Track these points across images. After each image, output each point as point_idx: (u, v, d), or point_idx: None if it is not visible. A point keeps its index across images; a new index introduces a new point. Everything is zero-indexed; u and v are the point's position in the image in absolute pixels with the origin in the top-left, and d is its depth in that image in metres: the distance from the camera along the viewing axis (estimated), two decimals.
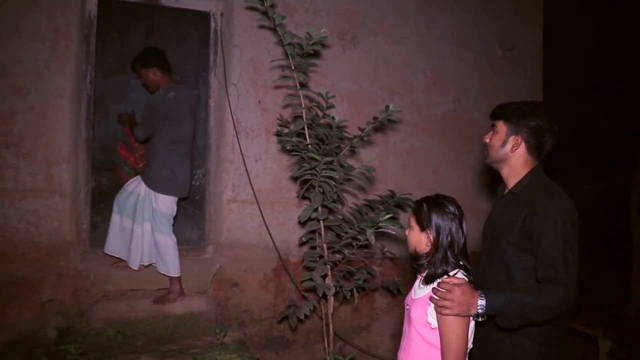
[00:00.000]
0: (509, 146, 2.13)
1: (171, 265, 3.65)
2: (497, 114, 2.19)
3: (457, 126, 4.64)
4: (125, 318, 3.48)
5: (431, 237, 1.95)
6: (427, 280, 1.95)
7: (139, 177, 3.74)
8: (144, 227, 3.65)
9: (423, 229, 1.97)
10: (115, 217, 3.74)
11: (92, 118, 3.89)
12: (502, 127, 2.16)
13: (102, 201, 4.02)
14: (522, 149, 2.13)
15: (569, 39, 7.70)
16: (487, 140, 2.22)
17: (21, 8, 3.44)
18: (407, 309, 2.04)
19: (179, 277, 3.70)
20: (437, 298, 1.85)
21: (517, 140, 2.12)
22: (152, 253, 3.71)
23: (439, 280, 1.90)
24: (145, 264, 3.74)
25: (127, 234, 3.70)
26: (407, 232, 2.08)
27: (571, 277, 1.88)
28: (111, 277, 3.69)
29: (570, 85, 7.82)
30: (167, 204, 3.66)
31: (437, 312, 1.86)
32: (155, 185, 3.63)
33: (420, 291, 1.98)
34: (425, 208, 1.98)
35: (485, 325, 2.00)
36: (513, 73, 4.87)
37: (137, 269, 3.69)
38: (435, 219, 1.95)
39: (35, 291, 3.50)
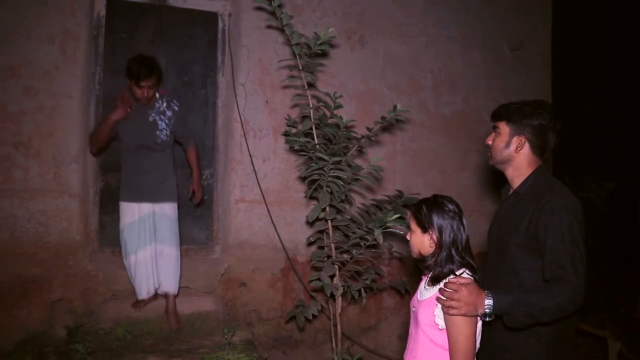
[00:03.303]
0: (512, 147, 2.12)
1: (176, 280, 3.56)
2: (499, 114, 2.17)
3: (465, 126, 4.62)
4: (133, 317, 3.51)
5: (434, 238, 1.95)
6: (434, 281, 1.95)
7: (128, 206, 3.50)
8: (152, 248, 3.51)
9: (425, 230, 1.97)
10: (141, 254, 3.47)
11: (101, 118, 3.91)
12: (504, 128, 2.13)
13: (110, 201, 4.03)
14: (526, 149, 2.11)
15: (578, 38, 7.66)
16: (490, 142, 2.20)
17: (31, 10, 3.47)
18: (414, 311, 2.04)
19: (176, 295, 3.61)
20: (444, 298, 1.84)
21: (520, 140, 2.10)
22: (156, 274, 3.54)
23: (445, 281, 1.89)
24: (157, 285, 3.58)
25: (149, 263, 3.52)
26: (408, 236, 2.07)
27: (578, 276, 1.87)
28: (119, 277, 3.69)
29: (579, 85, 7.78)
30: (175, 211, 3.61)
31: (445, 313, 1.85)
32: (171, 195, 3.57)
33: (427, 292, 1.98)
34: (425, 209, 1.98)
35: (492, 324, 1.99)
36: (521, 72, 4.84)
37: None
38: (436, 219, 1.94)
39: (44, 291, 3.53)
